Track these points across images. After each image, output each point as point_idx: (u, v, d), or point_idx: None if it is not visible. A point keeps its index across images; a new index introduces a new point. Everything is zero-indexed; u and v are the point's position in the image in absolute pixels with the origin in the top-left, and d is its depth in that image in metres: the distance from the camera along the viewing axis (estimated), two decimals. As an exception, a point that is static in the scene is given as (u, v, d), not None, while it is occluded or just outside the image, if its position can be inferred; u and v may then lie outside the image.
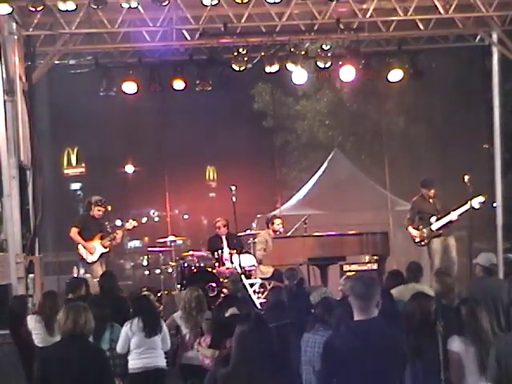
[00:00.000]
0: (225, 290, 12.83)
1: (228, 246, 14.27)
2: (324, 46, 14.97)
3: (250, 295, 12.76)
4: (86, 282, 10.91)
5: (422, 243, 13.69)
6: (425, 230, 13.58)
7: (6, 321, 10.95)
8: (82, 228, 13.76)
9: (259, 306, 12.47)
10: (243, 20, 14.33)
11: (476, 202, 13.22)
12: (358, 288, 5.61)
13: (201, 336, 9.21)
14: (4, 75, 13.50)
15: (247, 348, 6.31)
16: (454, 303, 7.90)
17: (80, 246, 13.65)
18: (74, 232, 13.73)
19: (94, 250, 13.62)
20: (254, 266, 14.07)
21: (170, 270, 14.54)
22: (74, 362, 6.68)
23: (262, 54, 14.99)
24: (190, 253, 14.68)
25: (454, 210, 13.43)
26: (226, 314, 9.02)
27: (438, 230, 13.51)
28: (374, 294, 5.46)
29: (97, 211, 13.81)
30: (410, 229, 13.76)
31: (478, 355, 6.39)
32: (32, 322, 9.79)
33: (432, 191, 13.64)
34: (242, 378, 6.24)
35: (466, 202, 13.22)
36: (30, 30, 14.13)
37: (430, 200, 13.67)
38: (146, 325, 9.11)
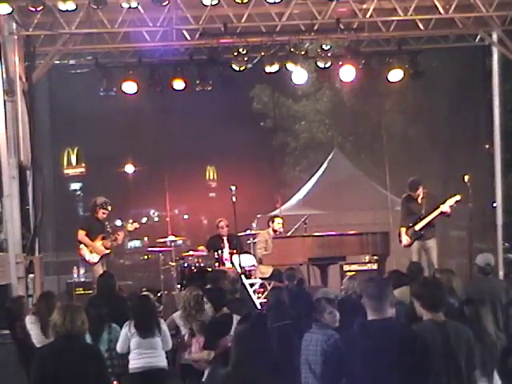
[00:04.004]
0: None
1: (229, 246, 14.31)
2: (324, 46, 14.97)
3: (250, 295, 12.77)
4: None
5: (407, 246, 13.82)
6: (409, 232, 13.66)
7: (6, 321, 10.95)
8: (87, 230, 13.76)
9: (259, 306, 12.47)
10: (243, 20, 14.35)
11: (453, 200, 13.41)
12: (371, 289, 5.64)
13: (192, 337, 9.21)
14: (4, 75, 13.52)
15: (247, 348, 6.30)
16: (459, 301, 7.91)
17: (83, 247, 13.65)
18: (81, 235, 13.71)
19: (100, 251, 13.60)
20: (254, 265, 14.09)
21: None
22: (71, 361, 6.66)
23: (262, 54, 15.00)
24: (190, 253, 14.69)
25: (443, 203, 13.49)
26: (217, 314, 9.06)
27: (420, 229, 13.57)
28: (387, 295, 5.49)
29: (101, 214, 13.81)
30: (403, 233, 13.78)
31: (480, 355, 6.38)
32: (29, 323, 9.78)
33: (418, 192, 13.63)
34: (242, 378, 6.23)
35: (445, 201, 13.43)
36: (30, 30, 14.14)
37: (418, 200, 13.68)
38: (140, 326, 9.10)
